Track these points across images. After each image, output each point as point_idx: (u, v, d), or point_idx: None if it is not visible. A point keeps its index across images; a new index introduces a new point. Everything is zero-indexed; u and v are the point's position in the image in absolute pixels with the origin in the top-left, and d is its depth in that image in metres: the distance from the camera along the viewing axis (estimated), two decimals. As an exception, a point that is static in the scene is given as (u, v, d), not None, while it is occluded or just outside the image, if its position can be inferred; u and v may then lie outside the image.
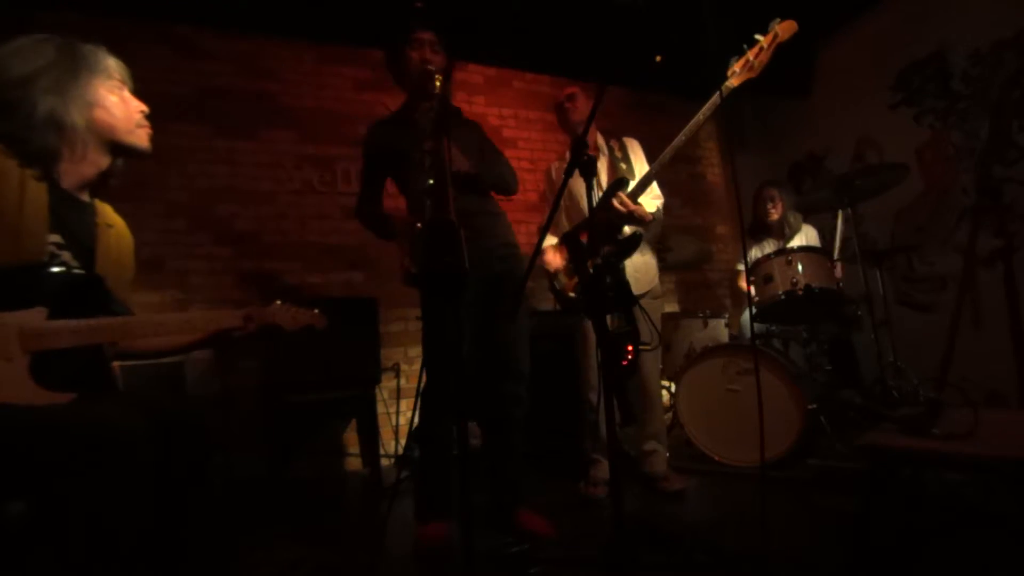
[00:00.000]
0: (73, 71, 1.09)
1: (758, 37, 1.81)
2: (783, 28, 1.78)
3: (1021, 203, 2.88)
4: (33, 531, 0.94)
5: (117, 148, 1.17)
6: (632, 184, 2.10)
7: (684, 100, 4.58)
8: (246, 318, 1.24)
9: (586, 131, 1.28)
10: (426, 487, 1.88)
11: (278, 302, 1.32)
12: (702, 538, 1.72)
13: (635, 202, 2.06)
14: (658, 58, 3.88)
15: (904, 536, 1.49)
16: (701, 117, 1.88)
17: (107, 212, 1.24)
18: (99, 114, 1.12)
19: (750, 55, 1.81)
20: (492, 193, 2.00)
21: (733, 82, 1.82)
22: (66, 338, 1.03)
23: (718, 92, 1.83)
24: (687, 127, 1.92)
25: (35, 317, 1.01)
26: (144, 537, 0.96)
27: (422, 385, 1.81)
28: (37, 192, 1.06)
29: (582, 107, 2.34)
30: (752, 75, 1.80)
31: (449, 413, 1.79)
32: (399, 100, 2.09)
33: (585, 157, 1.26)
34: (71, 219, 1.12)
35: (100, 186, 1.20)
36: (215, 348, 1.34)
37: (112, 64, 1.16)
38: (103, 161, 1.16)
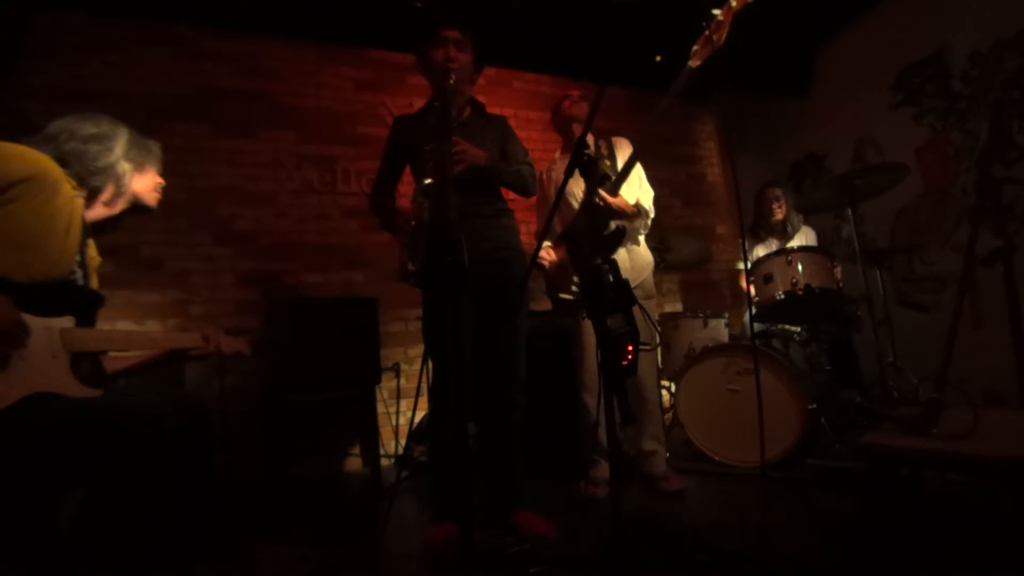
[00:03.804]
0: (141, 149, 1.44)
1: (715, 12, 1.78)
2: None
3: (1021, 203, 2.88)
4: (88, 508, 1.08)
5: (134, 202, 1.46)
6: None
7: (684, 100, 4.59)
8: (206, 338, 1.45)
9: (586, 131, 1.28)
10: (438, 489, 1.88)
11: (221, 332, 1.54)
12: (702, 538, 1.72)
13: (615, 196, 2.08)
14: (658, 58, 3.88)
15: (904, 536, 1.49)
16: (665, 103, 1.89)
17: (94, 246, 1.45)
18: (138, 180, 1.44)
19: (710, 31, 1.78)
20: (506, 192, 1.99)
21: (693, 62, 1.82)
22: (94, 343, 1.26)
23: (684, 72, 1.83)
24: (652, 115, 1.93)
25: (68, 323, 1.21)
26: (170, 517, 1.14)
27: (423, 385, 1.81)
28: (79, 217, 1.29)
29: (584, 107, 2.37)
30: (713, 49, 1.78)
31: (457, 413, 1.79)
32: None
33: (585, 158, 1.26)
34: (84, 245, 1.34)
35: (102, 229, 1.44)
36: (169, 364, 1.52)
37: (158, 154, 1.51)
38: (118, 210, 1.44)
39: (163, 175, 1.52)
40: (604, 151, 2.34)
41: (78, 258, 1.29)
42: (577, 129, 2.36)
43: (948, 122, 3.23)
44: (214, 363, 2.83)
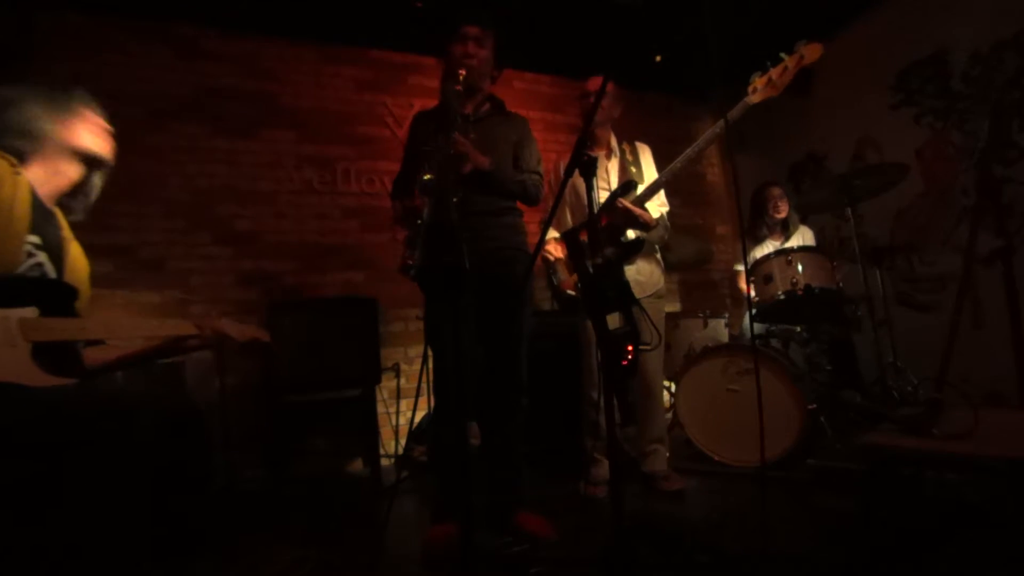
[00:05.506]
0: (60, 97, 1.28)
1: (783, 56, 1.79)
2: (809, 51, 1.76)
3: (1021, 203, 2.88)
4: (41, 503, 0.99)
5: (85, 157, 1.30)
6: (640, 188, 2.11)
7: (684, 100, 4.59)
8: (199, 326, 1.34)
9: (585, 131, 1.28)
10: (440, 488, 1.88)
11: (224, 318, 1.46)
12: (702, 538, 1.72)
13: (641, 207, 2.06)
14: (658, 58, 3.88)
15: (904, 536, 1.49)
16: (717, 131, 1.88)
17: (66, 225, 1.34)
18: (73, 130, 1.27)
19: (773, 74, 1.79)
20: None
21: (754, 99, 1.82)
22: (59, 333, 1.16)
23: (741, 105, 1.82)
24: (700, 139, 1.93)
25: (31, 313, 1.13)
26: (147, 516, 1.03)
27: (423, 385, 1.81)
28: (24, 196, 1.17)
29: (608, 106, 2.33)
30: (774, 93, 1.80)
31: (458, 413, 1.79)
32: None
33: (585, 157, 1.26)
34: (44, 224, 1.23)
35: (74, 202, 1.32)
36: (166, 356, 1.42)
37: (84, 96, 1.32)
38: (73, 171, 1.29)
39: (109, 122, 1.35)
40: (630, 156, 2.33)
41: (36, 240, 1.18)
42: (602, 132, 2.35)
43: (948, 122, 3.23)
44: (214, 363, 2.83)
